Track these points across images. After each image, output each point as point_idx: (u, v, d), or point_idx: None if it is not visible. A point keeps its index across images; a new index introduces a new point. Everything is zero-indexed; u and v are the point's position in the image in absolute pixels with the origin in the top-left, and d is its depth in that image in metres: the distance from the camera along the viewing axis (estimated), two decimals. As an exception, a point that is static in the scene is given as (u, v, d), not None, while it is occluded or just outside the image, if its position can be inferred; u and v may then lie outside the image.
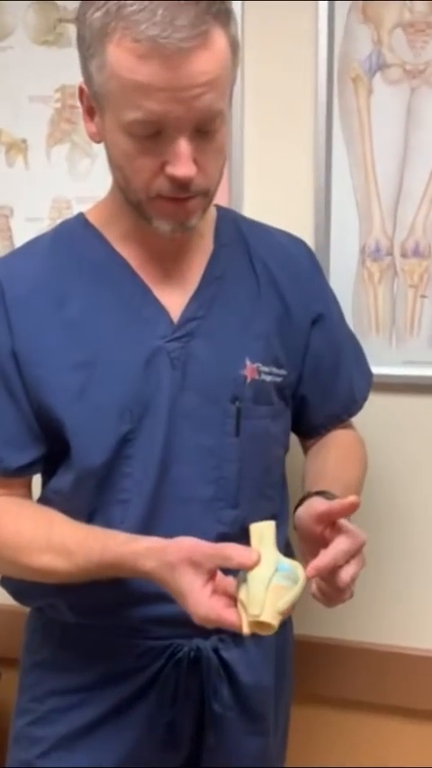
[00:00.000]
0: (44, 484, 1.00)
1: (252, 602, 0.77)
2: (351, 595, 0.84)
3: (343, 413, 1.07)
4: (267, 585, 0.78)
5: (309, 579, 0.81)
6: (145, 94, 0.80)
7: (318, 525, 0.84)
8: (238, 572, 0.81)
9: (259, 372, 0.96)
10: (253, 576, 0.79)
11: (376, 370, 1.14)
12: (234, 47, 0.84)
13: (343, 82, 1.19)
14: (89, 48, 0.83)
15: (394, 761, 1.27)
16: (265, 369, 0.96)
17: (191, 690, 0.96)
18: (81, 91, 0.88)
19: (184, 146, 0.82)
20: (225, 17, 0.82)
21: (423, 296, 1.21)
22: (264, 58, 1.21)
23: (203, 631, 0.84)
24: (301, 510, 0.87)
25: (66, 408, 0.91)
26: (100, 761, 0.96)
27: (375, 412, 1.14)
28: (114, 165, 0.88)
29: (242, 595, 0.79)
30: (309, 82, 1.19)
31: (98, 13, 0.81)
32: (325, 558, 0.80)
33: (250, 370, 0.95)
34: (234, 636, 0.84)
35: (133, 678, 0.96)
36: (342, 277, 1.22)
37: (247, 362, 0.95)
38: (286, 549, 1.01)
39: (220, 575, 0.82)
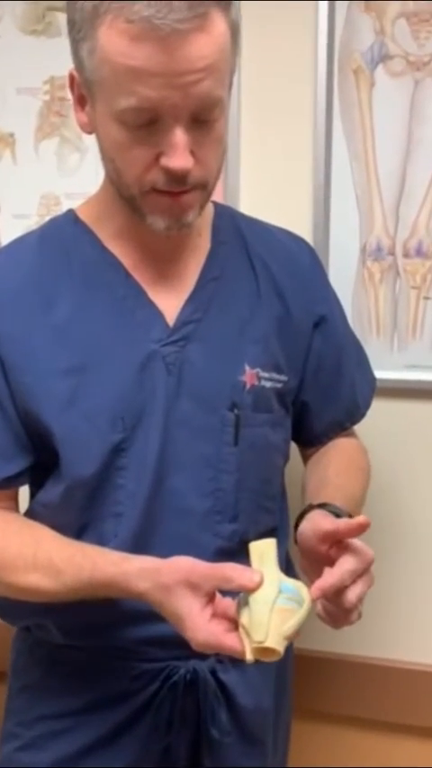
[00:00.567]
0: (32, 496, 0.96)
1: (255, 627, 0.74)
2: (359, 616, 0.81)
3: (345, 420, 1.03)
4: (271, 609, 0.74)
5: (313, 601, 0.77)
6: (138, 80, 0.76)
7: (322, 544, 0.81)
8: (237, 593, 0.77)
9: (259, 378, 0.92)
10: (255, 598, 0.75)
11: (377, 374, 1.11)
12: (235, 31, 0.80)
13: (343, 74, 1.16)
14: (79, 31, 0.79)
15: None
16: (266, 374, 0.93)
17: (187, 714, 0.93)
18: (72, 78, 0.84)
19: (180, 135, 0.78)
20: None
21: (426, 297, 1.19)
22: (261, 49, 1.18)
23: (200, 652, 0.80)
24: (304, 526, 0.83)
25: (54, 416, 0.87)
26: (91, 789, 0.92)
27: (376, 418, 1.11)
28: (106, 158, 0.84)
29: (244, 619, 0.75)
30: (308, 74, 1.16)
31: None
32: (330, 578, 0.77)
33: (250, 375, 0.91)
34: (232, 657, 0.80)
35: (126, 702, 0.92)
36: (342, 277, 1.19)
37: (247, 368, 0.91)
38: (287, 564, 0.98)
39: (218, 596, 0.78)
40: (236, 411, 0.90)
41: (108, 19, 0.75)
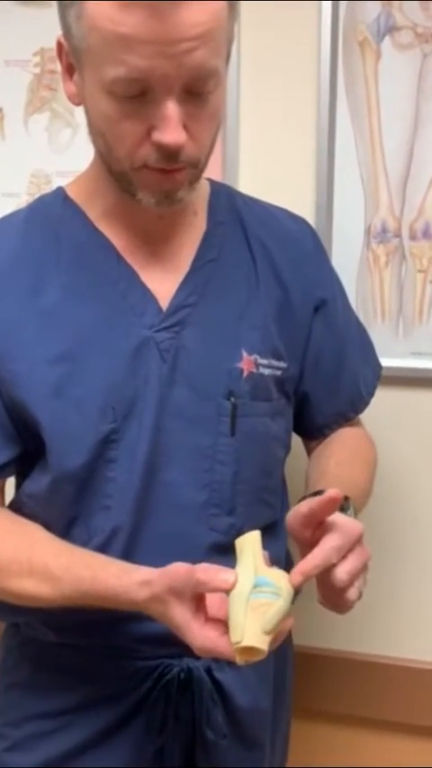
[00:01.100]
0: (18, 486, 0.93)
1: (232, 627, 0.72)
2: (359, 596, 0.77)
3: (348, 410, 1.00)
4: (246, 606, 0.71)
5: (298, 588, 0.74)
6: (128, 48, 0.72)
7: (306, 529, 0.78)
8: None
9: (257, 365, 0.89)
10: (231, 597, 0.73)
11: (382, 361, 1.09)
12: None
13: (348, 46, 1.12)
14: None
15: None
16: (264, 361, 0.90)
17: (181, 714, 0.90)
18: (60, 46, 0.80)
19: (172, 108, 0.75)
20: None
21: (432, 281, 1.15)
22: (262, 20, 1.14)
23: None
24: (288, 516, 0.80)
25: (42, 405, 0.84)
26: (81, 792, 0.91)
27: (380, 407, 1.08)
28: (95, 131, 0.81)
29: (229, 620, 0.73)
30: (311, 46, 1.13)
31: None
32: (312, 560, 0.74)
33: (247, 362, 0.88)
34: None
35: (118, 702, 0.90)
36: (345, 260, 1.16)
37: (244, 354, 0.88)
38: (287, 560, 0.95)
39: (210, 598, 0.76)
40: (233, 399, 0.87)
41: None
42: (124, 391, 0.85)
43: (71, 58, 0.79)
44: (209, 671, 0.90)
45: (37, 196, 0.96)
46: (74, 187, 0.91)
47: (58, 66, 0.83)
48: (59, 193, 0.91)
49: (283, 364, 0.91)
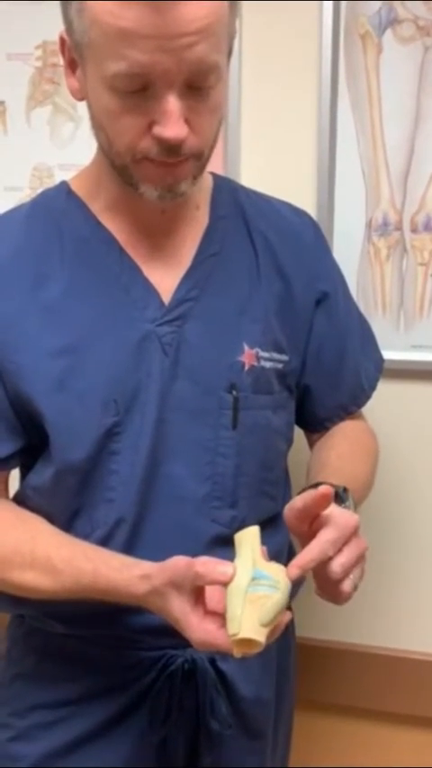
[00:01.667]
0: (23, 478, 0.93)
1: (229, 620, 0.72)
2: (355, 588, 0.78)
3: (350, 403, 1.00)
4: (243, 598, 0.72)
5: (297, 581, 0.75)
6: (129, 43, 0.72)
7: (303, 524, 0.78)
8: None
9: (258, 358, 0.89)
10: (228, 590, 0.73)
11: (382, 355, 1.08)
12: None
13: (350, 39, 1.12)
14: None
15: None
16: (265, 354, 0.90)
17: (185, 705, 0.91)
18: (62, 41, 0.80)
19: (173, 103, 0.75)
20: None
21: (434, 274, 1.15)
22: (263, 13, 1.13)
23: None
24: (285, 510, 0.81)
25: (45, 398, 0.84)
26: (85, 782, 0.91)
27: (381, 400, 1.08)
28: (97, 126, 0.81)
29: (226, 613, 0.73)
30: (312, 39, 1.12)
31: None
32: (308, 554, 0.74)
33: (248, 355, 0.88)
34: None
35: (122, 692, 0.90)
36: (346, 253, 1.16)
37: (245, 348, 0.88)
38: (289, 553, 0.95)
39: (209, 591, 0.76)
40: (234, 393, 0.87)
41: None
42: (127, 384, 0.85)
43: (73, 53, 0.79)
44: (212, 662, 0.91)
45: (39, 190, 0.95)
46: (77, 181, 0.90)
47: (60, 60, 0.83)
48: (63, 187, 0.91)
49: (284, 357, 0.91)
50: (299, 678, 1.08)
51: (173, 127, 0.75)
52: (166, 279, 0.87)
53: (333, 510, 0.76)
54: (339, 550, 0.75)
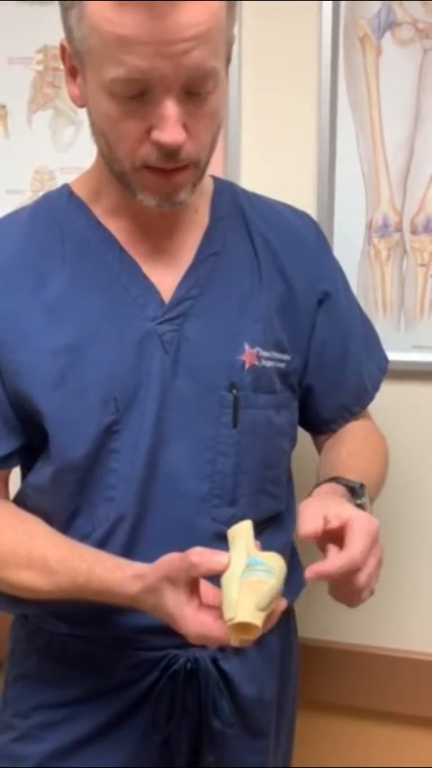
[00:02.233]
0: (23, 478, 0.94)
1: (226, 605, 0.72)
2: (371, 593, 0.78)
3: (353, 404, 1.00)
4: (239, 584, 0.72)
5: (309, 580, 0.74)
6: (127, 49, 0.73)
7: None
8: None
9: (259, 358, 0.89)
10: (224, 578, 0.73)
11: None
12: None
13: (349, 42, 1.12)
14: None
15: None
16: (266, 353, 0.90)
17: (188, 704, 0.91)
18: (62, 49, 0.81)
19: (171, 108, 0.75)
20: None
21: (434, 275, 1.15)
22: (263, 17, 1.14)
23: None
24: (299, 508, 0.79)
25: (44, 396, 0.85)
26: (88, 782, 0.91)
27: (382, 401, 1.08)
28: (97, 131, 0.81)
29: (222, 600, 0.73)
30: (312, 42, 1.13)
31: None
32: (336, 562, 0.74)
33: (249, 355, 0.88)
34: (229, 646, 0.78)
35: (125, 692, 0.90)
36: (347, 255, 1.15)
37: (246, 347, 0.88)
38: (291, 552, 0.96)
39: (204, 586, 0.76)
40: (234, 392, 0.88)
41: None
42: (127, 382, 0.85)
43: (74, 60, 0.79)
44: (215, 661, 0.91)
45: (40, 193, 0.96)
46: (78, 184, 0.91)
47: (61, 64, 0.83)
48: (65, 190, 0.91)
49: (286, 357, 0.92)
50: (302, 678, 1.07)
51: (171, 131, 0.75)
52: (166, 278, 0.87)
53: (354, 516, 0.75)
54: (365, 561, 0.74)
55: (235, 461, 0.88)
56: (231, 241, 0.91)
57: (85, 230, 0.88)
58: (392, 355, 1.14)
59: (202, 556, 0.74)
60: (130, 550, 0.86)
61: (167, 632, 0.82)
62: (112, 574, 0.80)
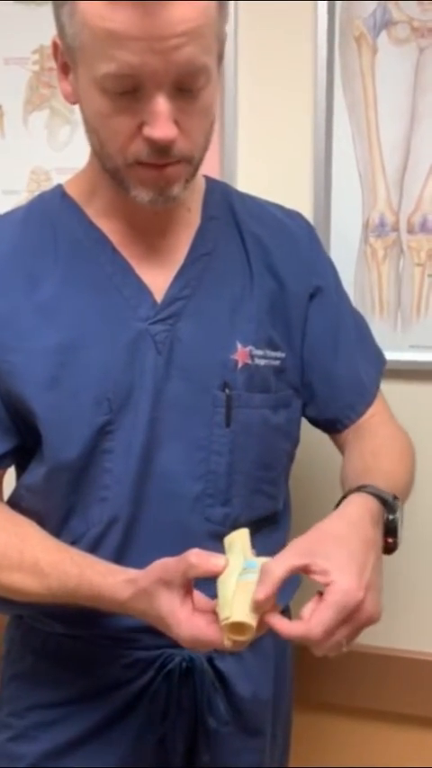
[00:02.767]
0: (18, 479, 0.93)
1: (221, 606, 0.72)
2: (340, 650, 0.72)
3: (356, 402, 0.98)
4: (235, 585, 0.72)
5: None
6: (118, 44, 0.73)
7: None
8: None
9: (252, 356, 0.89)
10: (220, 580, 0.73)
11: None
12: None
13: (345, 41, 1.13)
14: None
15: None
16: (259, 352, 0.90)
17: (183, 703, 0.91)
18: (55, 46, 0.81)
19: (162, 104, 0.75)
20: None
21: (431, 275, 1.16)
22: (259, 16, 1.14)
23: None
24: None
25: (37, 397, 0.84)
26: (84, 781, 0.91)
27: (380, 400, 1.07)
28: (90, 128, 0.82)
29: (217, 601, 0.73)
30: (308, 42, 1.13)
31: None
32: (291, 631, 0.70)
33: (241, 354, 0.88)
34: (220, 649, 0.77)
35: (120, 691, 0.90)
36: (343, 254, 1.16)
37: (238, 346, 0.88)
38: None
39: (196, 593, 0.76)
40: (227, 391, 0.88)
41: None
42: (120, 383, 0.85)
43: (66, 57, 0.80)
44: (210, 660, 0.91)
45: (37, 193, 0.96)
46: (71, 185, 0.91)
47: (55, 64, 0.84)
48: (58, 191, 0.91)
49: (280, 354, 0.91)
50: (299, 678, 1.07)
51: (162, 127, 0.75)
52: (158, 278, 0.87)
53: (334, 582, 0.70)
54: (330, 633, 0.70)
55: (228, 461, 0.88)
56: (223, 241, 0.91)
57: (77, 231, 0.88)
58: (389, 355, 1.14)
59: (200, 557, 0.74)
60: (124, 550, 0.87)
61: (162, 631, 0.83)
62: (104, 578, 0.80)
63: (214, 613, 0.73)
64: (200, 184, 0.93)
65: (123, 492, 0.86)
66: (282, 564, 0.72)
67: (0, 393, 0.86)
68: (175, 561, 0.75)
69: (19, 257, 0.87)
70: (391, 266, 1.16)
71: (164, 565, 0.76)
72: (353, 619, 0.71)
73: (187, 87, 0.76)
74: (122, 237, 0.88)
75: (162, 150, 0.77)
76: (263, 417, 0.91)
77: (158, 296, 0.87)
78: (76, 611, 0.86)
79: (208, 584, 0.75)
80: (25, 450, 0.89)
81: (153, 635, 0.86)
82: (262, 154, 1.17)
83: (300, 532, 0.77)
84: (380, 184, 1.14)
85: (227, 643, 0.72)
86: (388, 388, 1.15)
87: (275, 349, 0.91)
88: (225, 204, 0.93)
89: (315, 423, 0.98)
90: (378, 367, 1.02)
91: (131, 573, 0.80)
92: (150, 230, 0.88)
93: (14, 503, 0.92)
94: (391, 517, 0.80)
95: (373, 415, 0.98)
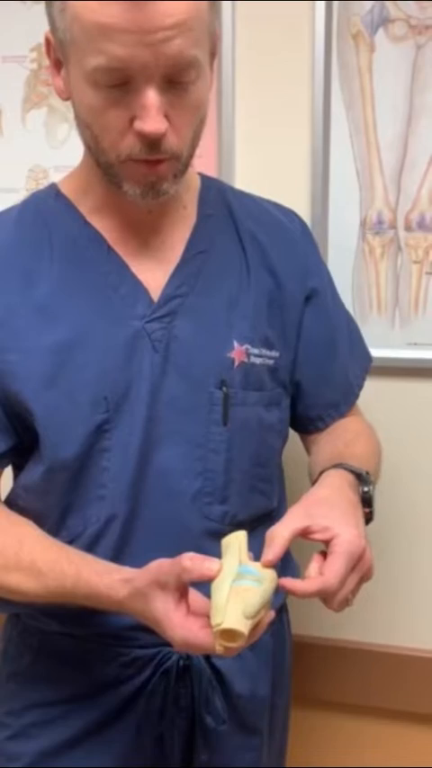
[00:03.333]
0: (15, 479, 0.93)
1: (213, 611, 0.71)
2: (349, 603, 0.77)
3: (340, 402, 1.00)
4: (228, 591, 0.72)
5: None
6: (107, 37, 0.73)
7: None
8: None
9: (248, 355, 0.89)
10: (214, 585, 0.73)
11: (378, 352, 1.09)
12: None
13: (342, 39, 1.12)
14: None
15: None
16: (255, 351, 0.90)
17: (181, 702, 0.91)
18: (47, 42, 0.82)
19: (152, 97, 0.75)
20: None
21: (428, 273, 1.16)
22: (257, 14, 1.14)
23: None
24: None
25: (35, 396, 0.84)
26: (82, 779, 0.91)
27: (377, 397, 1.10)
28: (82, 124, 0.82)
29: (210, 605, 0.73)
30: (305, 39, 1.13)
31: None
32: (310, 586, 0.73)
33: (238, 352, 0.88)
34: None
35: (118, 689, 0.90)
36: (341, 252, 1.16)
37: (235, 344, 0.89)
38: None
39: (193, 594, 0.76)
40: (224, 389, 0.88)
41: None
42: (117, 381, 0.85)
43: (58, 52, 0.80)
44: (208, 658, 0.91)
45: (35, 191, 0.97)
46: (66, 183, 0.91)
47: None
48: (52, 190, 0.91)
49: (275, 353, 0.91)
50: (295, 675, 1.07)
51: (152, 120, 0.76)
52: (154, 276, 0.87)
53: (338, 534, 0.75)
54: (343, 582, 0.74)
55: (226, 459, 0.88)
56: (219, 238, 0.91)
57: (72, 229, 0.88)
58: (387, 352, 1.15)
59: (194, 561, 0.73)
60: (121, 549, 0.87)
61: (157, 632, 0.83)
62: (100, 578, 0.80)
63: (208, 617, 0.73)
64: (195, 182, 0.93)
65: (121, 490, 0.86)
66: (287, 527, 0.75)
67: None
68: (169, 564, 0.75)
69: (14, 256, 0.87)
70: (388, 264, 1.16)
71: (159, 566, 0.76)
72: (358, 567, 0.75)
73: (177, 80, 0.76)
74: (117, 235, 0.88)
75: (153, 145, 0.77)
76: (257, 415, 0.91)
77: (155, 294, 0.87)
78: (73, 609, 0.86)
79: (207, 582, 0.74)
80: (23, 450, 0.89)
81: (150, 633, 0.86)
82: (260, 151, 1.17)
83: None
84: (377, 182, 1.14)
85: (218, 648, 0.71)
86: (386, 386, 1.15)
87: (271, 348, 0.91)
88: (221, 202, 0.93)
89: (294, 419, 0.99)
90: (365, 366, 1.03)
91: (128, 572, 0.79)
92: (145, 228, 0.88)
93: (11, 502, 0.92)
94: (365, 489, 0.84)
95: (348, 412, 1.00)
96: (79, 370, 0.84)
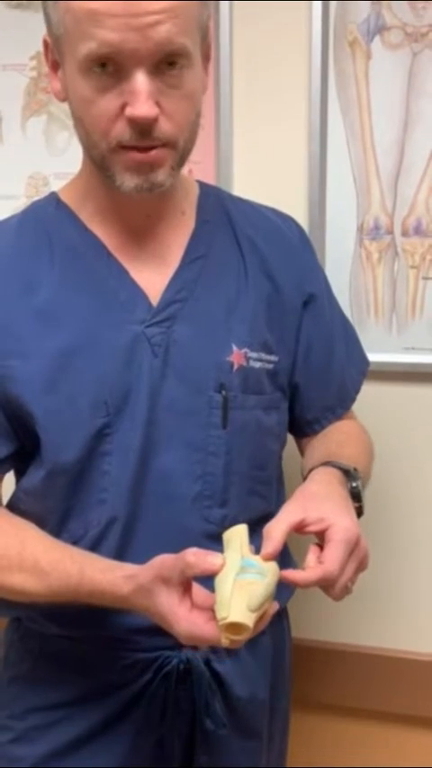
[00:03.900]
0: (17, 483, 0.94)
1: (218, 605, 0.72)
2: (349, 591, 0.78)
3: (337, 405, 1.01)
4: (232, 584, 0.73)
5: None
6: (97, 23, 0.75)
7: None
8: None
9: (247, 359, 0.90)
10: (218, 579, 0.74)
11: (375, 357, 1.10)
12: None
13: (339, 46, 1.13)
14: None
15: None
16: (254, 354, 0.91)
17: (181, 705, 0.91)
18: (45, 44, 0.83)
19: (141, 81, 0.76)
20: None
21: (425, 278, 1.17)
22: (254, 21, 1.15)
23: None
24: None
25: (35, 401, 0.85)
26: (83, 782, 0.91)
27: (374, 402, 1.10)
28: (76, 119, 0.82)
29: (215, 600, 0.74)
30: (302, 46, 1.13)
31: None
32: (311, 575, 0.74)
33: (237, 356, 0.89)
34: (218, 647, 0.78)
35: (118, 693, 0.91)
36: (338, 258, 1.17)
37: (234, 348, 0.89)
38: (283, 551, 0.95)
39: (196, 588, 0.77)
40: (223, 393, 0.88)
41: None
42: (117, 386, 0.85)
43: (55, 52, 0.81)
44: (207, 662, 0.91)
45: (35, 198, 0.97)
46: (65, 191, 0.92)
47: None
48: (52, 198, 0.92)
49: (273, 357, 0.92)
50: (295, 678, 1.07)
51: (142, 105, 0.76)
52: (154, 281, 0.88)
53: (334, 524, 0.76)
54: (343, 569, 0.75)
55: (225, 462, 0.89)
56: (218, 244, 0.91)
57: (72, 236, 0.89)
58: (384, 357, 1.16)
59: (197, 556, 0.74)
60: (122, 552, 0.87)
61: (160, 633, 0.83)
62: (104, 575, 0.81)
63: (213, 610, 0.73)
64: (193, 188, 0.93)
65: (121, 494, 0.86)
66: (283, 521, 0.76)
67: None
68: (173, 559, 0.75)
69: (15, 263, 0.87)
70: (385, 269, 1.17)
71: (162, 562, 0.76)
72: (354, 554, 0.76)
73: (167, 67, 0.77)
74: (117, 241, 0.88)
75: (144, 131, 0.78)
76: (256, 419, 0.92)
77: (154, 299, 0.88)
78: (74, 612, 0.86)
79: (209, 577, 0.75)
80: (24, 455, 0.89)
81: (150, 636, 0.87)
82: (257, 158, 1.17)
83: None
84: (374, 188, 1.15)
85: (224, 641, 0.72)
86: (383, 391, 1.16)
87: (270, 352, 0.92)
88: (219, 208, 0.94)
89: (290, 422, 0.99)
90: (362, 370, 1.04)
91: (131, 568, 0.80)
92: (145, 234, 0.88)
93: (13, 506, 0.92)
94: (354, 484, 0.85)
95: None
96: (79, 374, 0.85)
